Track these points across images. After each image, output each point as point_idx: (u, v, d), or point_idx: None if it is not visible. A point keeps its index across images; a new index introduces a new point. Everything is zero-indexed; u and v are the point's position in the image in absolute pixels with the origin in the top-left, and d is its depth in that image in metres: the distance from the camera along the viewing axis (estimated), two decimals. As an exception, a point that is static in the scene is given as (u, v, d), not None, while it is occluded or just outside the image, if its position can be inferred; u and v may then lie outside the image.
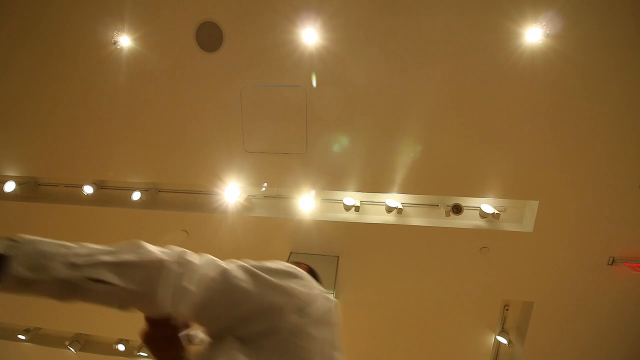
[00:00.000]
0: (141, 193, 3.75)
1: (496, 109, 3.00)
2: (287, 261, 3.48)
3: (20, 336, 4.72)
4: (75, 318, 4.42)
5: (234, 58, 3.13)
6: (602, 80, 2.81)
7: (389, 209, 3.48)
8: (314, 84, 3.11)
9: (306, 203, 3.53)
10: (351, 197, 3.54)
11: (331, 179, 3.37)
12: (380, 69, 3.02)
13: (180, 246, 1.00)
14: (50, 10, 3.21)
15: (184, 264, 0.96)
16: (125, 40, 3.17)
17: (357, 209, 3.51)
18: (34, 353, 4.81)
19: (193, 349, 1.09)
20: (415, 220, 3.51)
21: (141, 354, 4.53)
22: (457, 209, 3.38)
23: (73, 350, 4.58)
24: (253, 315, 0.99)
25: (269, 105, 3.25)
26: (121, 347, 4.54)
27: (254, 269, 1.03)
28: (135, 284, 0.90)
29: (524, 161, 3.10)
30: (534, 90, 2.89)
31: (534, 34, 2.72)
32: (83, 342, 4.68)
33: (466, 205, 3.43)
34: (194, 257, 1.00)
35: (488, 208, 3.37)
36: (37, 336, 4.82)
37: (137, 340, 4.54)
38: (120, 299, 0.92)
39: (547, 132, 2.99)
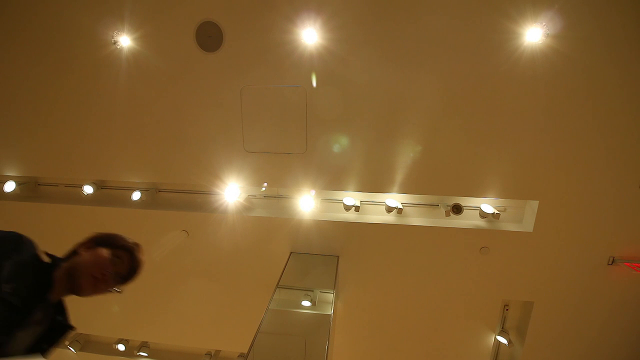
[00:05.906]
0: (141, 193, 3.75)
1: (496, 109, 3.00)
2: (287, 261, 3.50)
3: (20, 336, 4.72)
4: (75, 318, 4.40)
5: (234, 58, 3.13)
6: (602, 80, 2.81)
7: (389, 209, 3.49)
8: (314, 84, 3.11)
9: (306, 203, 3.53)
10: (351, 197, 3.54)
11: (331, 179, 3.37)
12: (380, 69, 3.02)
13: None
14: (51, 10, 3.22)
15: None
16: (125, 40, 3.17)
17: (357, 209, 3.51)
18: (34, 353, 4.81)
19: None
20: (415, 220, 3.51)
21: (141, 354, 4.53)
22: (457, 209, 3.38)
23: (73, 350, 4.58)
24: None
25: (269, 105, 3.25)
26: (121, 347, 4.54)
27: None
28: None
29: (524, 161, 3.10)
30: (534, 90, 2.89)
31: (534, 34, 2.72)
32: (83, 342, 4.69)
33: (466, 205, 3.44)
34: None
35: (488, 208, 3.37)
36: (37, 336, 4.82)
37: (137, 340, 4.55)
38: None
39: (547, 132, 2.99)
